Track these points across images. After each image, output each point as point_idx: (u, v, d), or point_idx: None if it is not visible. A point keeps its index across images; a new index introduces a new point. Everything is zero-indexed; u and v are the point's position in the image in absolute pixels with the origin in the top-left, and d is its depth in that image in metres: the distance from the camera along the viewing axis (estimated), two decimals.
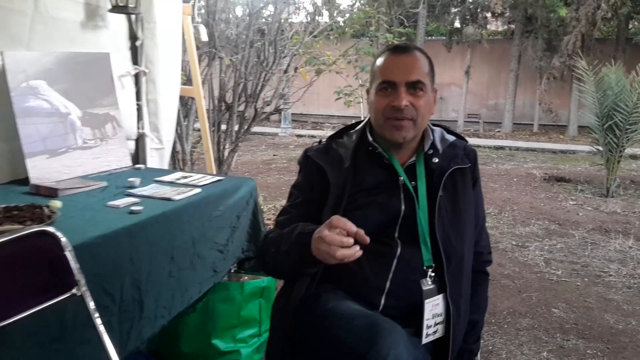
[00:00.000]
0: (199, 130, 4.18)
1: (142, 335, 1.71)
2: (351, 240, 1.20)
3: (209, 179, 2.17)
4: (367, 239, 1.22)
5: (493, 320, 3.21)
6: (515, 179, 7.85)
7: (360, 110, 8.04)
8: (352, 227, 1.21)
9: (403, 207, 1.44)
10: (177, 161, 3.73)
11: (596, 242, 4.84)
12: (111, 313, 1.58)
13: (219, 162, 4.01)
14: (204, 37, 2.82)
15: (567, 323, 3.18)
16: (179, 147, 3.68)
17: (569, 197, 6.71)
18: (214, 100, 4.03)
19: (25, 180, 2.03)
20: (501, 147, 11.34)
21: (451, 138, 1.56)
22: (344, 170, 1.46)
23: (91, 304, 1.34)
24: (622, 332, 3.06)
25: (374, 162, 1.49)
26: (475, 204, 1.53)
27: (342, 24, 6.45)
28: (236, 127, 4.04)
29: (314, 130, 13.11)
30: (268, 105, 4.08)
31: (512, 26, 13.85)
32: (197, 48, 3.51)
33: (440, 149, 1.51)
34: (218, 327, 2.12)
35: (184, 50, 2.86)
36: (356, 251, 1.20)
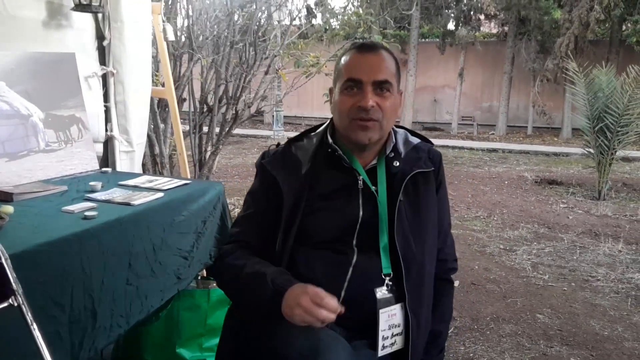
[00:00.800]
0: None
1: (95, 345, 1.63)
2: (333, 317, 1.17)
3: (174, 183, 2.10)
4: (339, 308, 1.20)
5: (476, 327, 3.15)
6: (506, 182, 7.81)
7: None
8: (328, 302, 1.18)
9: (361, 213, 1.37)
10: (157, 164, 3.66)
11: (585, 245, 4.79)
12: (60, 323, 1.50)
13: (200, 164, 3.94)
14: (171, 36, 2.75)
15: (551, 329, 3.12)
16: (157, 151, 3.61)
17: (560, 200, 6.66)
18: (195, 102, 3.97)
19: None
20: (494, 150, 11.31)
21: (415, 140, 1.50)
22: (300, 177, 1.40)
23: (28, 315, 1.26)
24: (607, 339, 3.00)
25: (333, 165, 1.43)
26: (439, 209, 1.47)
27: (336, 26, 6.40)
28: (217, 130, 3.97)
29: None
30: (249, 107, 4.01)
31: (506, 28, 13.84)
32: (175, 49, 3.45)
33: (403, 152, 1.45)
34: (183, 336, 2.05)
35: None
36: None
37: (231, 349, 1.36)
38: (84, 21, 2.37)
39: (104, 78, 2.49)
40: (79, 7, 2.20)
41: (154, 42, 2.76)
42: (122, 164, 2.56)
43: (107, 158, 2.54)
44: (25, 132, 2.11)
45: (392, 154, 1.44)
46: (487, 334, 3.07)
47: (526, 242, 4.88)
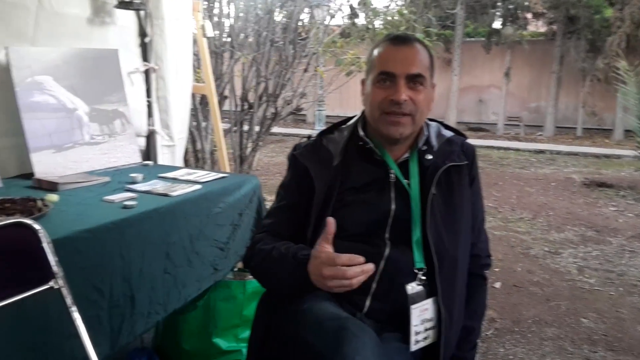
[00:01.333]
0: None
1: (134, 330, 1.68)
2: (359, 271, 1.16)
3: (212, 176, 2.14)
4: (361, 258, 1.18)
5: (517, 329, 3.07)
6: (553, 184, 7.59)
7: None
8: (353, 258, 1.17)
9: (393, 206, 1.36)
10: (198, 160, 3.73)
11: (635, 250, 4.61)
12: (100, 308, 1.55)
13: (241, 160, 3.99)
14: (210, 33, 2.80)
15: (595, 334, 3.01)
16: (199, 146, 3.68)
17: (609, 202, 6.43)
18: (236, 99, 4.02)
19: (32, 175, 2.04)
20: (541, 151, 11.02)
21: (448, 134, 1.47)
22: (332, 169, 1.39)
23: (68, 298, 1.31)
24: None
25: (365, 158, 1.41)
26: (473, 203, 1.44)
27: (379, 26, 6.39)
28: (257, 127, 4.01)
29: None
30: (289, 104, 4.04)
31: (554, 27, 13.44)
32: (216, 47, 3.51)
33: (436, 146, 1.42)
34: (219, 326, 2.08)
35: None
36: (367, 269, 1.17)
37: (262, 337, 1.36)
38: (127, 19, 2.44)
39: (146, 74, 2.55)
40: (122, 5, 2.27)
41: (195, 40, 2.81)
42: (164, 157, 2.63)
43: (149, 152, 2.60)
44: (70, 125, 2.19)
45: (425, 147, 1.42)
46: (528, 337, 2.99)
47: (572, 245, 4.73)
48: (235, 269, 2.23)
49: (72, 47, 2.21)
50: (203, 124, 3.63)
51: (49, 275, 1.30)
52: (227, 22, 3.64)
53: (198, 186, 1.99)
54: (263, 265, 1.36)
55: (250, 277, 2.22)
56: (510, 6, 13.44)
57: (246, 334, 2.12)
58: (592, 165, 9.56)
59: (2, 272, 1.24)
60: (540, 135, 13.56)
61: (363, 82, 1.45)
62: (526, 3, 12.74)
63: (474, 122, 14.93)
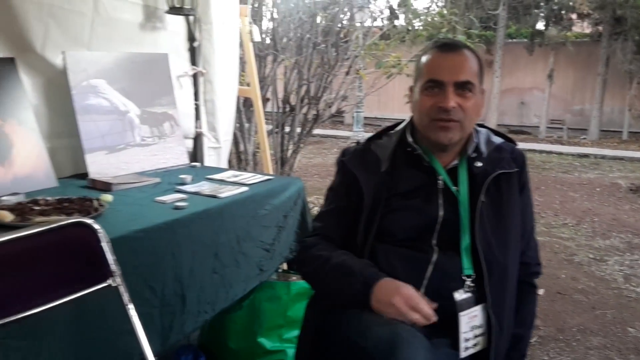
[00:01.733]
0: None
1: (184, 329, 1.73)
2: (424, 322, 1.21)
3: (258, 178, 2.17)
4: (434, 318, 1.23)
5: (561, 337, 3.01)
6: (598, 189, 7.39)
7: None
8: (422, 308, 1.21)
9: (442, 213, 1.36)
10: (241, 161, 3.79)
11: None
12: (152, 306, 1.60)
13: (282, 162, 4.03)
14: (257, 37, 2.84)
15: None
16: (242, 148, 3.73)
17: None
18: (278, 101, 4.07)
19: (85, 175, 2.12)
20: (585, 155, 10.73)
21: (498, 140, 1.46)
22: (380, 175, 1.41)
23: (125, 296, 1.36)
24: None
25: (413, 164, 1.42)
26: (523, 211, 1.43)
27: (419, 28, 6.34)
28: (299, 129, 4.05)
29: None
30: (330, 107, 4.06)
31: (600, 28, 13.06)
32: (260, 50, 3.56)
33: (485, 153, 1.42)
34: (264, 326, 2.11)
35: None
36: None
37: (311, 338, 1.38)
38: (177, 24, 2.50)
39: (194, 77, 2.61)
40: (173, 10, 2.33)
41: (241, 43, 2.85)
42: (210, 159, 2.68)
43: (195, 153, 2.66)
44: (122, 127, 2.26)
45: (474, 154, 1.41)
46: (572, 345, 2.93)
47: (618, 253, 4.60)
48: (279, 270, 2.26)
49: (125, 52, 2.29)
50: (246, 126, 3.68)
51: (107, 273, 1.35)
52: (270, 26, 3.68)
53: (245, 188, 2.02)
54: (320, 273, 1.38)
55: (294, 278, 2.26)
56: (554, 7, 13.12)
57: (290, 334, 2.15)
58: (639, 171, 9.26)
59: (62, 270, 1.30)
60: (584, 138, 13.20)
61: (411, 89, 1.45)
62: (571, 3, 12.42)
63: (515, 125, 14.65)
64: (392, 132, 1.50)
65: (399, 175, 1.40)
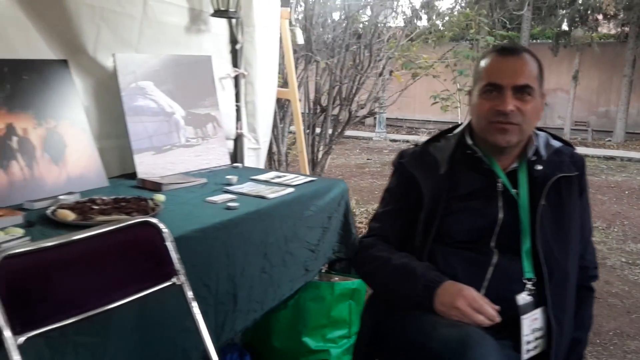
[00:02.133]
0: (294, 132, 4.29)
1: (235, 327, 1.75)
2: (487, 323, 1.23)
3: (301, 179, 2.20)
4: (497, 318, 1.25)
5: (598, 341, 2.99)
6: (626, 192, 7.29)
7: (458, 116, 7.83)
8: (487, 310, 1.23)
9: (501, 215, 1.37)
10: (273, 161, 3.81)
11: None
12: (207, 304, 1.63)
13: (313, 163, 4.05)
14: (300, 40, 2.86)
15: None
16: (275, 148, 3.76)
17: None
18: (309, 103, 4.09)
19: (132, 175, 2.16)
20: (612, 158, 10.58)
21: (557, 144, 1.46)
22: (439, 177, 1.42)
23: (189, 294, 1.39)
24: None
25: (472, 167, 1.43)
26: (581, 215, 1.43)
27: (442, 28, 6.32)
28: (330, 130, 4.06)
29: (408, 135, 12.94)
30: (362, 108, 4.07)
31: (626, 29, 12.87)
32: (294, 52, 3.58)
33: (545, 156, 1.42)
34: (309, 325, 2.13)
35: (282, 54, 2.92)
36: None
37: (370, 339, 1.40)
38: (220, 26, 2.54)
39: (236, 79, 2.64)
40: (218, 13, 2.36)
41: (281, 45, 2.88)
42: (249, 159, 2.71)
43: (236, 154, 2.69)
44: (169, 128, 2.30)
45: (534, 158, 1.41)
46: (610, 349, 2.91)
47: None
48: (323, 271, 2.28)
49: (171, 54, 2.32)
50: (280, 126, 3.71)
51: (172, 272, 1.38)
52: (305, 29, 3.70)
53: (291, 189, 2.04)
54: (380, 274, 1.39)
55: (337, 278, 2.28)
56: (580, 7, 12.96)
57: (333, 334, 2.17)
58: None
59: (130, 268, 1.33)
60: (609, 140, 13.03)
61: (470, 92, 1.46)
62: (597, 4, 12.25)
63: (539, 127, 14.51)
64: (450, 135, 1.51)
65: (458, 177, 1.41)
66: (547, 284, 1.32)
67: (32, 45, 1.90)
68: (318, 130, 4.19)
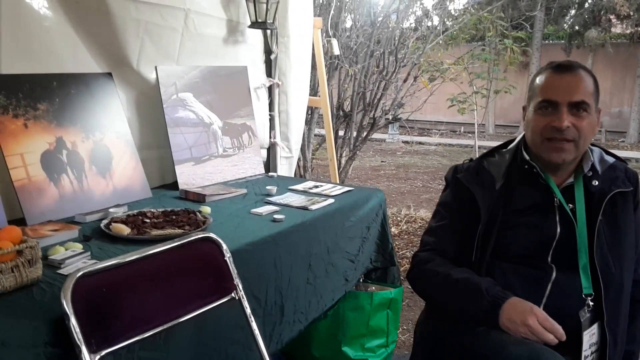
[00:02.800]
0: (315, 137, 4.31)
1: (282, 338, 1.77)
2: (555, 340, 1.23)
3: (339, 190, 2.22)
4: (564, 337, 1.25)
5: None
6: None
7: (474, 118, 7.82)
8: (557, 329, 1.24)
9: (559, 230, 1.38)
10: (299, 167, 3.83)
11: None
12: (257, 315, 1.63)
13: (337, 169, 4.07)
14: (337, 51, 2.88)
15: None
16: (300, 155, 3.78)
17: None
18: (333, 108, 4.11)
19: (172, 185, 2.19)
20: (626, 159, 10.50)
21: (610, 159, 1.48)
22: (495, 192, 1.43)
23: (247, 308, 1.41)
24: None
25: (528, 181, 1.44)
26: (636, 229, 1.44)
27: (457, 30, 6.32)
28: (354, 134, 4.08)
29: (421, 137, 12.94)
30: (386, 114, 4.09)
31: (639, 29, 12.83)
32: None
33: (600, 171, 1.43)
34: (348, 335, 2.15)
35: (313, 64, 2.94)
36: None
37: (427, 353, 1.41)
38: (255, 37, 2.56)
39: (270, 89, 2.67)
40: (255, 25, 2.38)
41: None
42: (282, 168, 2.73)
43: (268, 163, 2.71)
44: (207, 138, 2.32)
45: (590, 173, 1.43)
46: None
47: None
48: (360, 280, 2.30)
49: (209, 65, 2.35)
50: (306, 133, 3.73)
51: (231, 286, 1.41)
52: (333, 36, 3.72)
53: (331, 200, 2.06)
54: (441, 289, 1.40)
55: (373, 288, 2.29)
56: (593, 8, 12.91)
57: (371, 343, 2.19)
58: None
59: (193, 284, 1.35)
60: (622, 141, 12.98)
61: (524, 108, 1.47)
62: (610, 4, 12.20)
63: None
64: (504, 150, 1.52)
65: (514, 192, 1.43)
66: (604, 299, 1.33)
67: (79, 59, 1.93)
68: (341, 133, 4.20)
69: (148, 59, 2.12)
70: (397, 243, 4.24)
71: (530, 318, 1.22)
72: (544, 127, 1.37)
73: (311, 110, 3.84)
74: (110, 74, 2.02)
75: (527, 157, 1.44)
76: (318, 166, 4.75)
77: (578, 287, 1.34)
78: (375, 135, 12.57)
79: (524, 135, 1.48)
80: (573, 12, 13.32)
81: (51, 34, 1.85)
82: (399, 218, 5.18)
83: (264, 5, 2.34)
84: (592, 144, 1.49)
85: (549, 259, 1.37)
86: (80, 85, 1.92)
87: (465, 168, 1.53)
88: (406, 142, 11.82)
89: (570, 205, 1.39)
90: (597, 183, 1.41)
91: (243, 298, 1.41)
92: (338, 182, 2.94)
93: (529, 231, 1.38)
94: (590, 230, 1.36)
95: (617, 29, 13.87)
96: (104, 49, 2.01)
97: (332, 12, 3.02)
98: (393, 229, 4.74)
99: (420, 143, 11.94)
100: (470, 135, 12.72)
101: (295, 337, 1.87)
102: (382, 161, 9.69)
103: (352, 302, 2.15)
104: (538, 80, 1.42)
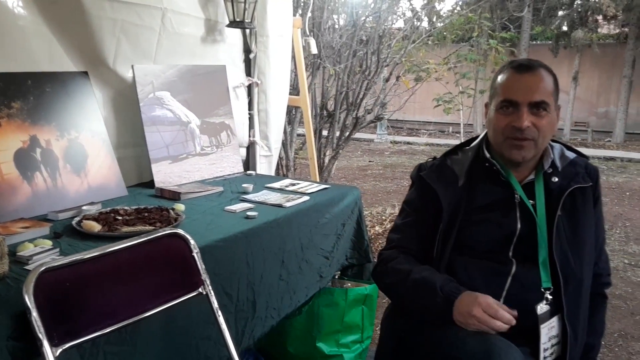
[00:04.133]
0: (298, 136, 4.33)
1: (254, 334, 1.80)
2: (505, 327, 1.25)
3: (315, 187, 2.24)
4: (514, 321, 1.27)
5: (603, 343, 3.02)
6: (627, 193, 7.35)
7: (460, 117, 7.88)
8: (503, 315, 1.26)
9: (519, 226, 1.41)
10: (281, 167, 3.85)
11: None
12: (229, 312, 1.67)
13: (320, 168, 4.09)
14: (315, 50, 2.90)
15: None
16: (282, 154, 3.80)
17: None
18: (316, 108, 4.13)
19: (149, 184, 2.21)
20: (612, 158, 10.64)
21: (571, 155, 1.51)
22: (458, 189, 1.46)
23: (215, 303, 1.43)
24: None
25: (490, 179, 1.47)
26: (596, 224, 1.47)
27: (443, 30, 6.36)
28: (337, 134, 4.10)
29: (409, 137, 13.00)
30: (369, 113, 4.11)
31: (626, 30, 12.94)
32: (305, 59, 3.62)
33: (560, 167, 1.46)
34: (323, 331, 2.17)
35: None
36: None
37: (392, 349, 1.44)
38: (234, 36, 2.58)
39: (249, 88, 2.68)
40: (233, 24, 2.40)
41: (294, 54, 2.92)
42: (262, 167, 2.75)
43: (248, 161, 2.73)
44: (185, 137, 2.34)
45: (551, 170, 1.46)
46: (615, 351, 2.96)
47: None
48: (336, 277, 2.32)
49: (187, 64, 2.37)
50: (288, 130, 3.75)
51: (199, 281, 1.43)
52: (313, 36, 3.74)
53: (306, 197, 2.09)
54: (401, 287, 1.43)
55: (349, 284, 2.32)
56: (580, 9, 13.01)
57: (346, 339, 2.22)
58: None
59: (159, 279, 1.37)
60: (609, 141, 13.09)
61: (486, 106, 1.50)
62: (597, 5, 12.31)
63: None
64: (467, 147, 1.55)
65: (476, 189, 1.45)
66: (563, 293, 1.37)
67: (55, 58, 1.94)
68: (324, 133, 4.22)
69: (125, 58, 2.13)
70: (380, 242, 4.26)
71: (475, 308, 1.24)
72: (505, 126, 1.40)
73: (294, 110, 3.86)
74: (86, 73, 2.04)
75: (489, 155, 1.47)
76: (301, 165, 4.77)
77: (537, 281, 1.37)
78: (364, 135, 12.68)
79: (486, 133, 1.51)
80: (561, 13, 13.41)
81: (26, 33, 1.86)
82: (383, 217, 5.20)
83: (242, 5, 2.36)
84: (554, 140, 1.52)
85: (510, 254, 1.40)
86: (56, 84, 1.93)
87: (429, 166, 1.55)
88: (394, 142, 11.87)
89: (531, 201, 1.42)
90: (556, 179, 1.44)
91: (210, 293, 1.43)
92: (318, 180, 2.96)
93: (491, 227, 1.41)
94: (550, 225, 1.39)
95: (604, 29, 13.99)
96: (80, 48, 2.02)
97: (309, 13, 3.03)
98: (377, 228, 4.76)
99: (408, 143, 12.00)
100: (458, 135, 12.79)
101: (267, 333, 1.90)
102: (369, 161, 9.73)
103: (327, 299, 2.17)
104: (499, 79, 1.44)
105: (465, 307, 1.27)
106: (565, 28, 13.34)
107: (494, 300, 1.29)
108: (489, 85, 1.57)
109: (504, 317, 1.25)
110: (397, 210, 5.33)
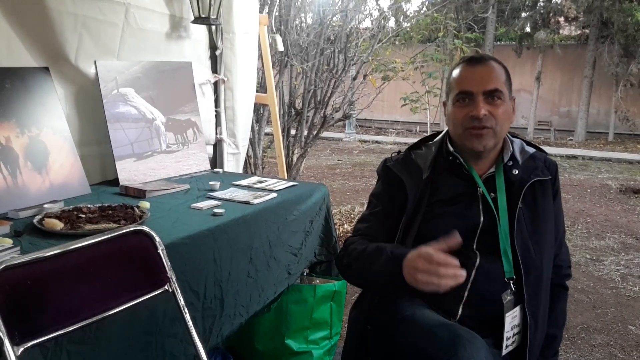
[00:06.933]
0: (267, 134, 4.32)
1: (222, 332, 1.78)
2: (451, 273, 1.19)
3: (283, 184, 2.24)
4: (458, 240, 1.23)
5: (566, 335, 3.11)
6: (589, 190, 7.55)
7: (427, 117, 7.99)
8: (445, 259, 1.21)
9: (482, 219, 1.44)
10: (249, 165, 3.84)
11: None
12: (196, 309, 1.66)
13: (288, 167, 4.09)
14: (281, 47, 2.90)
15: None
16: (250, 152, 3.79)
17: None
18: (284, 106, 4.13)
19: (114, 182, 2.17)
20: (574, 156, 10.92)
21: (531, 150, 1.55)
22: (422, 181, 1.48)
23: (181, 300, 1.42)
24: None
25: (453, 172, 1.50)
26: (556, 216, 1.51)
27: (409, 30, 6.43)
28: (305, 133, 4.11)
29: (378, 136, 13.09)
30: (337, 111, 4.13)
31: (587, 31, 13.30)
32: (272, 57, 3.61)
33: (520, 161, 1.50)
34: (291, 327, 2.17)
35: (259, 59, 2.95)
36: (459, 275, 1.20)
37: (359, 341, 1.45)
38: (199, 32, 2.56)
39: (215, 85, 2.66)
40: (199, 20, 2.38)
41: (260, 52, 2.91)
42: (229, 164, 2.74)
43: (215, 159, 2.71)
44: (150, 134, 2.31)
45: (511, 163, 1.49)
46: (578, 343, 3.03)
47: (613, 253, 4.73)
48: (304, 274, 2.33)
49: (151, 60, 2.33)
50: (256, 129, 3.73)
51: (164, 279, 1.41)
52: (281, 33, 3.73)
53: (274, 194, 2.08)
54: (356, 263, 1.44)
55: (318, 281, 2.32)
56: (542, 10, 13.31)
57: (315, 335, 2.22)
58: (627, 172, 9.46)
59: (123, 277, 1.35)
60: (570, 140, 13.44)
61: (444, 104, 1.53)
62: (559, 7, 12.62)
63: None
64: (430, 142, 1.58)
65: (439, 182, 1.48)
66: (524, 282, 1.40)
67: (14, 53, 1.89)
68: (293, 132, 4.23)
69: (87, 53, 2.09)
70: None
71: (418, 261, 1.23)
72: (463, 117, 1.43)
73: (262, 108, 3.85)
74: (47, 69, 1.99)
75: (451, 149, 1.50)
76: (269, 164, 4.76)
77: (501, 272, 1.40)
78: (332, 134, 12.72)
79: (448, 129, 1.54)
80: (524, 14, 13.70)
81: None
82: (352, 215, 5.24)
83: (208, 1, 2.34)
84: (514, 135, 1.56)
85: (475, 246, 1.43)
86: (15, 80, 1.88)
87: (394, 159, 1.58)
88: (363, 141, 11.94)
89: (492, 194, 1.46)
90: (517, 172, 1.47)
91: (177, 291, 1.41)
92: (285, 178, 2.95)
93: (455, 220, 1.44)
94: (511, 217, 1.42)
95: (566, 31, 14.36)
96: (40, 43, 1.97)
97: (276, 10, 3.03)
98: (346, 226, 4.79)
99: (376, 142, 12.09)
100: (425, 134, 12.93)
101: (236, 331, 1.89)
102: (338, 160, 9.75)
103: (296, 295, 2.17)
104: (454, 74, 1.48)
105: (411, 264, 1.25)
106: (528, 29, 13.64)
107: (432, 249, 1.24)
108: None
109: (439, 260, 1.20)
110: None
